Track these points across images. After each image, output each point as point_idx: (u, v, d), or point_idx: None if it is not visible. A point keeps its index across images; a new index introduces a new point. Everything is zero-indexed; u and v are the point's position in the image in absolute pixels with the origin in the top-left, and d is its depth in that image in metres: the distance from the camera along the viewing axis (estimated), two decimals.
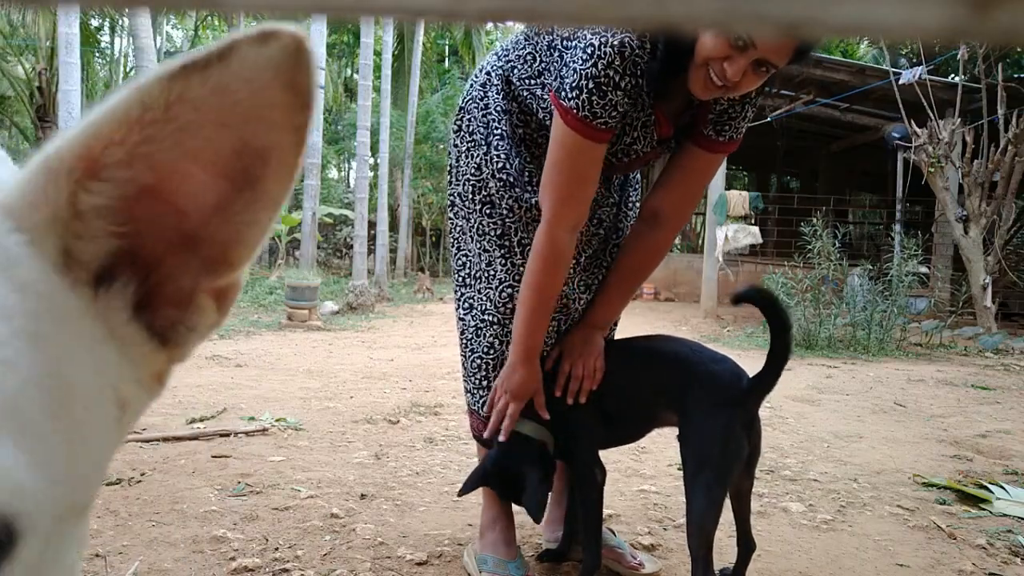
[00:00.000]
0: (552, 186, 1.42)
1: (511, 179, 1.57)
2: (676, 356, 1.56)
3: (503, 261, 1.61)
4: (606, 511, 2.15)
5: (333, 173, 24.64)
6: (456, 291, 1.73)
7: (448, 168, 1.73)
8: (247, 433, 2.91)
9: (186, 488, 2.22)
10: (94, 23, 17.12)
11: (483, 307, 1.65)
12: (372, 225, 12.67)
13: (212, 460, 2.53)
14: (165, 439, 2.76)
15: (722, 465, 1.42)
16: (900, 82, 8.33)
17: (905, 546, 1.98)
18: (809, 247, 7.28)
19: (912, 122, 8.21)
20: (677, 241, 20.06)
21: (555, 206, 1.42)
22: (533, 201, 1.55)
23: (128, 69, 17.82)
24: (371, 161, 12.92)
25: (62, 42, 7.14)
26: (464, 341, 1.69)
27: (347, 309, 8.90)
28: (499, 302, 1.61)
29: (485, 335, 1.63)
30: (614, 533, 1.84)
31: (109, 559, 1.71)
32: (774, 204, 13.80)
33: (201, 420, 3.10)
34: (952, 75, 9.49)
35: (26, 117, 15.55)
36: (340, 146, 21.12)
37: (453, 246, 1.76)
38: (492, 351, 1.64)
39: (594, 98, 1.30)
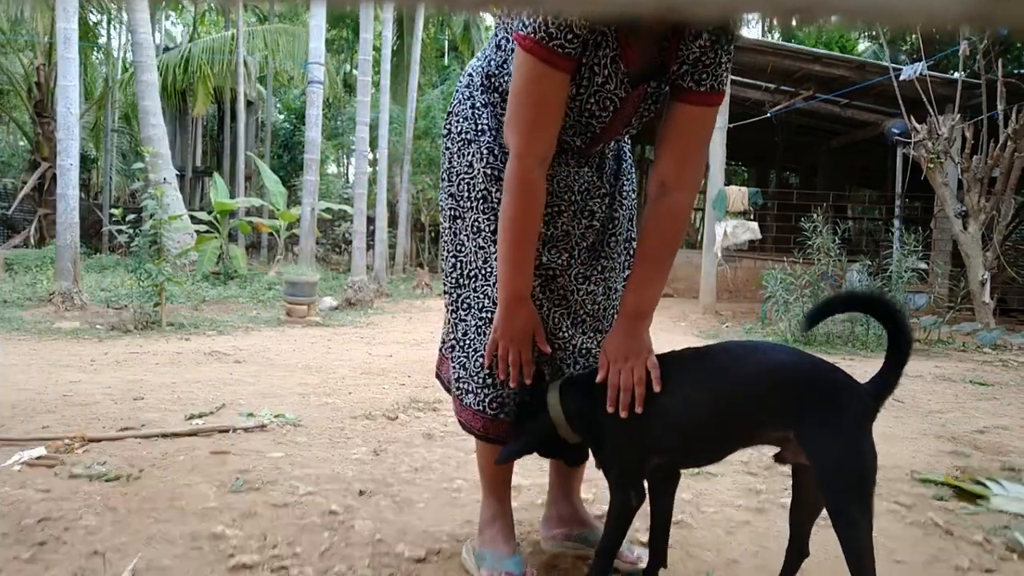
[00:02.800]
0: (516, 118, 1.40)
1: (498, 172, 1.56)
2: (783, 365, 1.38)
3: (492, 249, 1.59)
4: (602, 507, 2.15)
5: (332, 168, 24.61)
6: (450, 294, 1.69)
7: (441, 173, 1.72)
8: (246, 429, 2.91)
9: (185, 484, 2.22)
10: (93, 18, 17.05)
11: (481, 304, 1.62)
12: (371, 221, 12.64)
13: (211, 456, 2.53)
14: (164, 435, 2.76)
15: (870, 481, 1.29)
16: (900, 78, 8.32)
17: (902, 542, 1.98)
18: (808, 243, 7.28)
19: (912, 118, 8.20)
20: None
21: (519, 138, 1.41)
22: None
23: (126, 65, 17.76)
24: (370, 157, 12.90)
25: (60, 37, 7.12)
26: (466, 342, 1.64)
27: (346, 305, 8.89)
28: (495, 297, 1.58)
29: (487, 332, 1.60)
30: None
31: (107, 556, 1.70)
32: (773, 200, 13.78)
33: (200, 416, 3.09)
34: (952, 71, 9.47)
35: (24, 112, 15.52)
36: (339, 141, 21.09)
37: (444, 249, 1.73)
38: (495, 348, 1.61)
39: (549, 18, 1.30)
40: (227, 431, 2.87)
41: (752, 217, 9.43)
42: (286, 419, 3.08)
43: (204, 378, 4.05)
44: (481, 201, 1.61)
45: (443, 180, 1.71)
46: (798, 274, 7.03)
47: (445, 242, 1.72)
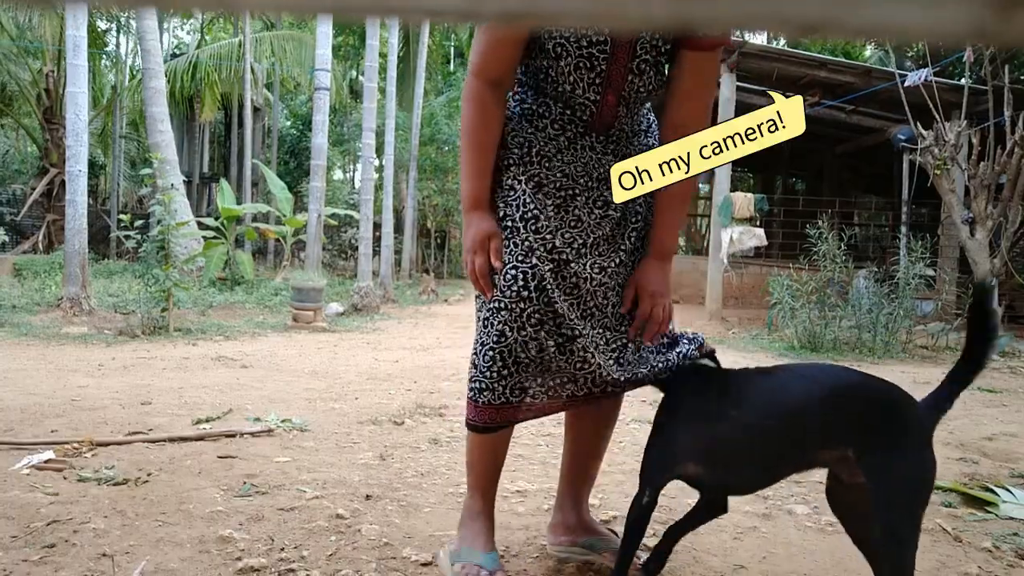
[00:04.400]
0: (475, 42, 1.56)
1: (506, 161, 1.60)
2: (840, 385, 1.38)
3: (505, 242, 1.59)
4: (609, 512, 2.16)
5: (338, 175, 24.69)
6: (478, 296, 1.68)
7: None
8: (253, 434, 2.92)
9: (192, 488, 2.23)
10: (102, 26, 17.18)
11: (492, 294, 1.61)
12: (377, 227, 12.68)
13: (218, 461, 2.54)
14: (171, 440, 2.77)
15: (924, 500, 1.29)
16: (906, 84, 8.30)
17: None
18: (814, 249, 7.26)
19: (918, 124, 8.18)
20: (682, 243, 20.04)
21: (475, 56, 1.54)
22: (532, 172, 1.58)
23: (134, 71, 17.88)
24: (376, 163, 12.93)
25: (69, 44, 7.17)
26: (479, 338, 1.63)
27: (352, 310, 8.91)
28: (504, 285, 1.57)
29: (494, 324, 1.57)
30: (618, 535, 1.83)
31: (116, 559, 1.71)
32: (779, 206, 13.77)
33: (207, 421, 3.10)
34: (958, 77, 9.46)
35: (33, 119, 15.63)
36: (345, 148, 21.15)
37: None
38: (503, 339, 1.57)
39: None
40: (234, 436, 2.88)
41: (758, 223, 9.42)
42: (293, 424, 3.09)
43: (211, 383, 4.07)
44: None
45: None
46: (804, 281, 7.01)
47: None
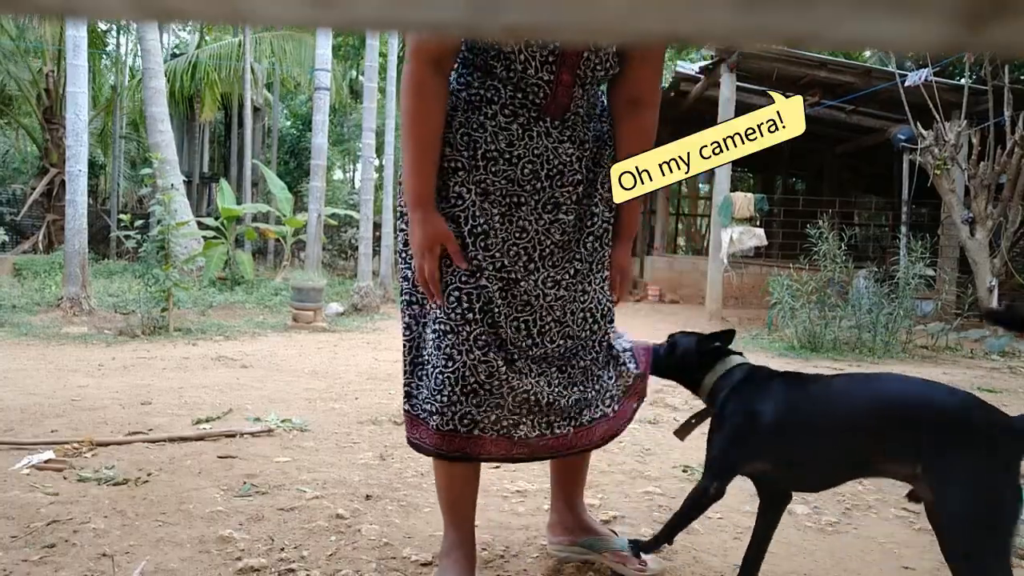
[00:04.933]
0: None
1: (453, 163, 1.47)
2: (909, 397, 1.32)
3: (447, 262, 1.47)
4: (610, 512, 2.16)
5: (338, 175, 24.69)
6: (411, 308, 1.57)
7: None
8: (253, 434, 2.92)
9: (192, 488, 2.23)
10: (102, 26, 17.17)
11: (435, 315, 1.49)
12: (377, 227, 12.67)
13: (218, 461, 2.54)
14: (171, 440, 2.78)
15: (1005, 530, 1.18)
16: (906, 84, 8.30)
17: (911, 549, 1.98)
18: (814, 249, 7.27)
19: (918, 124, 8.19)
20: (682, 243, 20.05)
21: (411, 35, 1.43)
22: (479, 178, 1.47)
23: (134, 71, 17.88)
24: (376, 163, 12.94)
25: (69, 45, 7.17)
26: (426, 358, 1.52)
27: (352, 310, 8.91)
28: (447, 307, 1.46)
29: (443, 347, 1.47)
30: (618, 535, 1.84)
31: (116, 558, 1.72)
32: (779, 206, 13.78)
33: (207, 421, 3.11)
34: (958, 77, 9.46)
35: (33, 118, 15.63)
36: (345, 147, 21.16)
37: (402, 260, 1.62)
38: (452, 363, 1.46)
39: None
40: (234, 436, 2.88)
41: (758, 223, 9.42)
42: (293, 424, 3.09)
43: (211, 383, 4.07)
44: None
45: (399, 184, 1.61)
46: (804, 281, 7.01)
47: (402, 252, 1.61)
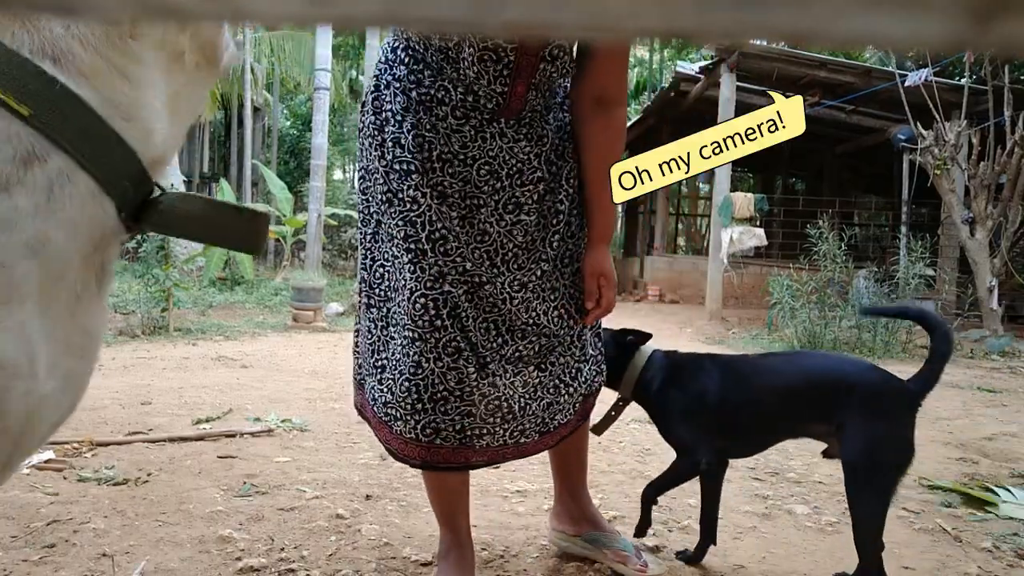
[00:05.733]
0: None
1: (406, 166, 1.41)
2: (825, 368, 1.64)
3: (411, 267, 1.41)
4: (610, 512, 2.16)
5: (338, 175, 24.68)
6: (378, 307, 1.52)
7: (359, 175, 1.56)
8: (253, 434, 2.92)
9: (192, 488, 2.23)
10: None
11: (403, 322, 1.44)
12: None
13: (218, 461, 2.54)
14: (171, 440, 2.78)
15: (893, 470, 1.48)
16: (906, 84, 8.30)
17: (910, 549, 1.98)
18: (814, 249, 7.27)
19: (918, 124, 8.19)
20: (682, 243, 20.04)
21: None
22: (434, 181, 1.40)
23: None
24: None
25: None
26: (394, 363, 1.47)
27: (352, 310, 8.91)
28: (414, 314, 1.41)
29: (411, 354, 1.43)
30: (619, 535, 1.83)
31: (116, 558, 1.72)
32: (779, 206, 13.77)
33: (207, 421, 3.11)
34: (958, 77, 9.46)
35: None
36: (345, 147, 21.16)
37: (366, 256, 1.54)
38: (420, 370, 1.42)
39: None
40: (234, 436, 2.88)
41: (758, 223, 9.42)
42: (293, 424, 3.09)
43: (211, 383, 4.07)
44: (387, 204, 1.44)
45: (359, 178, 1.55)
46: (804, 281, 7.01)
47: (366, 248, 1.54)
